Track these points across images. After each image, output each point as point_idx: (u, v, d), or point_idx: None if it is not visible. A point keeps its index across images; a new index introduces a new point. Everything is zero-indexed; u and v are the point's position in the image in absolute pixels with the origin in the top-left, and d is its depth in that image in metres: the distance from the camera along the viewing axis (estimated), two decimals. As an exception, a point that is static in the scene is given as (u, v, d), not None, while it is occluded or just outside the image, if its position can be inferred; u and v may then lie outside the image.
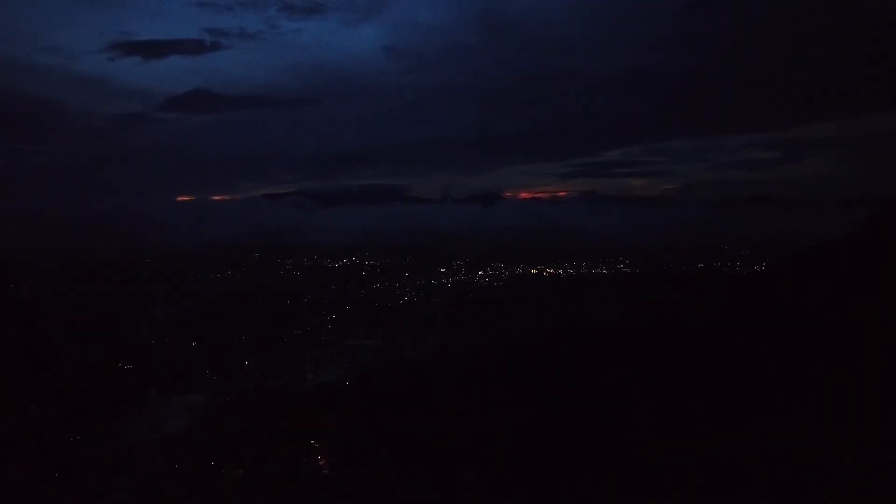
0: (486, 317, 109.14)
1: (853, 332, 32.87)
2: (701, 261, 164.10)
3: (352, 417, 56.81)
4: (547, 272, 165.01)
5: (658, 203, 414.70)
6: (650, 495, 29.95)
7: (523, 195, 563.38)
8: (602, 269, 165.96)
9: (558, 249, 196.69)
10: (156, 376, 78.35)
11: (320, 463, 50.18)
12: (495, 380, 57.89)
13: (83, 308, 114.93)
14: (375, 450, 48.71)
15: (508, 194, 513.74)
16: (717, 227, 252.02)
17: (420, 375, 68.50)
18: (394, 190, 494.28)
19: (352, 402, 63.35)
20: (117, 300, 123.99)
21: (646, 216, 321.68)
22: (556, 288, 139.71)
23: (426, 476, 41.35)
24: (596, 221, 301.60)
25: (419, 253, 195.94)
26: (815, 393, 30.31)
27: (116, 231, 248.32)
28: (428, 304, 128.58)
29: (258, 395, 72.92)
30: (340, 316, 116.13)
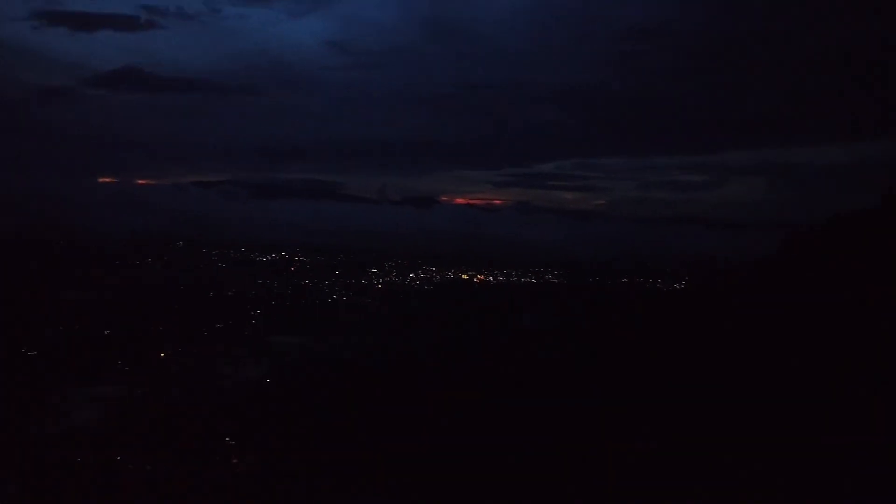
0: (413, 319, 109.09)
1: (764, 346, 34.58)
2: (626, 275, 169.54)
3: (270, 416, 55.58)
4: (477, 278, 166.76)
5: (589, 217, 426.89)
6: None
7: (459, 201, 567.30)
8: (531, 279, 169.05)
9: (490, 257, 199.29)
10: (63, 365, 74.01)
11: (234, 461, 48.72)
12: (419, 382, 57.88)
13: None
14: (293, 450, 47.72)
15: (444, 199, 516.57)
16: (642, 243, 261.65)
17: (344, 375, 67.73)
18: (329, 187, 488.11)
19: (271, 400, 61.98)
20: (27, 284, 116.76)
21: (576, 229, 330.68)
22: (485, 294, 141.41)
23: (343, 478, 40.78)
24: (528, 231, 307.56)
25: (351, 252, 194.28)
26: (725, 401, 31.66)
27: (31, 210, 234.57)
28: (357, 303, 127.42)
29: (173, 389, 70.03)
30: (265, 311, 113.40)
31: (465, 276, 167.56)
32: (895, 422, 24.64)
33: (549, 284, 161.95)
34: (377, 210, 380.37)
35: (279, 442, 50.10)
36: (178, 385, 71.60)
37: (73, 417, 59.59)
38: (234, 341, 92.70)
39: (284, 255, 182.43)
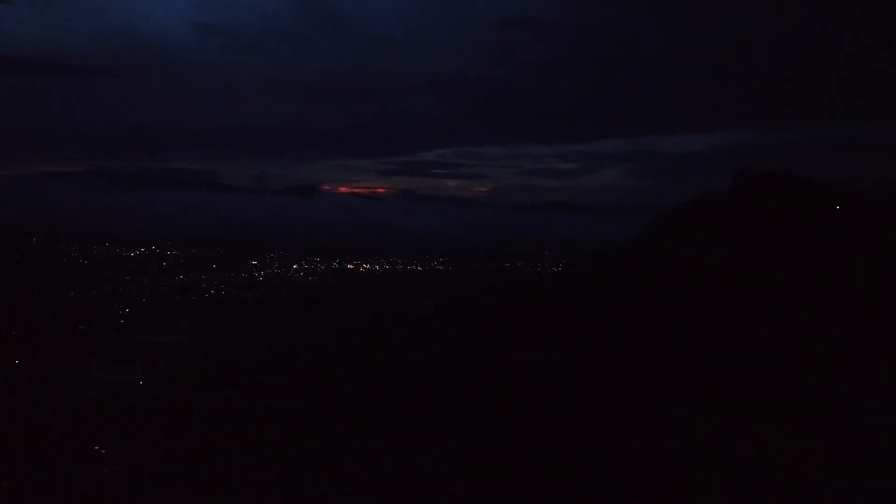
0: (298, 311, 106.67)
1: (630, 327, 36.92)
2: (508, 260, 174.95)
3: (143, 421, 52.25)
4: (363, 268, 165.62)
5: (471, 204, 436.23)
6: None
7: (342, 190, 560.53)
8: (417, 266, 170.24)
9: (375, 245, 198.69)
10: None
11: (104, 471, 45.39)
12: (307, 378, 56.60)
13: None
14: (170, 456, 45.15)
15: (327, 188, 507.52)
16: (522, 228, 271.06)
17: (223, 375, 64.91)
18: (202, 176, 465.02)
19: (145, 404, 58.29)
20: None
21: (460, 216, 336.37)
22: (372, 283, 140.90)
23: (223, 484, 39.13)
24: (412, 219, 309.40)
25: (229, 244, 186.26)
26: (591, 381, 33.48)
27: None
28: (236, 298, 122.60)
29: (30, 398, 64.11)
30: (135, 310, 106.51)
31: (350, 266, 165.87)
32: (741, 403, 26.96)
33: (435, 271, 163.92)
34: (256, 200, 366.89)
35: (153, 448, 47.24)
36: (35, 394, 65.74)
37: None
38: (102, 343, 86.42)
39: (155, 249, 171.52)
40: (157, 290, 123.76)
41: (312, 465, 38.01)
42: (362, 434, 39.82)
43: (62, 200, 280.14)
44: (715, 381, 29.38)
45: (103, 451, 47.94)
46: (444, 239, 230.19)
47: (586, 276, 55.32)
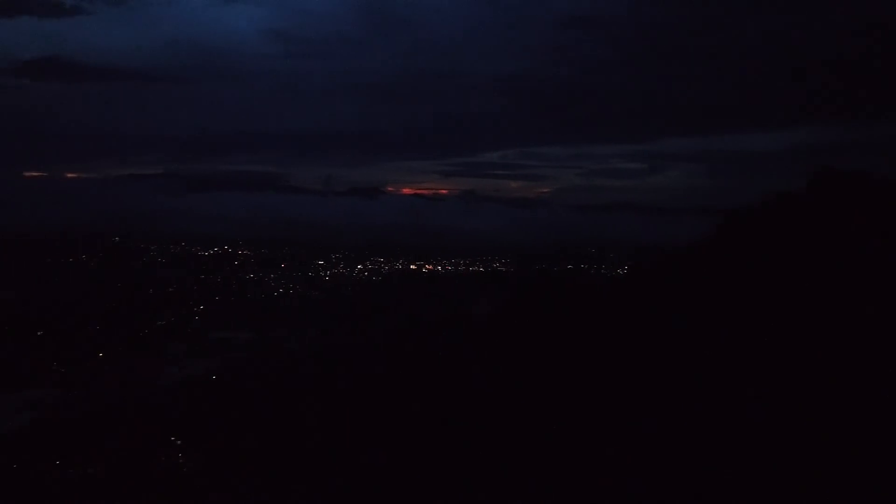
0: (363, 311, 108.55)
1: (702, 329, 35.91)
2: (571, 262, 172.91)
3: (217, 413, 54.55)
4: (426, 268, 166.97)
5: (533, 205, 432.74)
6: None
7: (405, 191, 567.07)
8: (479, 268, 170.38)
9: (438, 246, 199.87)
10: (-8, 369, 70.73)
11: (180, 460, 47.69)
12: (371, 375, 57.74)
13: None
14: (239, 447, 46.97)
15: (391, 189, 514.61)
16: (585, 230, 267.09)
17: (293, 370, 66.99)
18: (271, 178, 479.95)
19: (218, 397, 60.78)
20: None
21: (521, 217, 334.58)
22: (434, 283, 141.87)
23: (292, 475, 40.41)
24: (474, 220, 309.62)
25: (296, 244, 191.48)
26: (663, 387, 32.80)
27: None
28: (304, 296, 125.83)
29: (113, 389, 67.85)
30: (209, 307, 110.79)
31: (413, 266, 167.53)
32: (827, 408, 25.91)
33: (497, 273, 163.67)
34: (322, 201, 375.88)
35: (227, 440, 49.25)
36: (118, 386, 69.49)
37: (7, 423, 57.11)
38: (178, 339, 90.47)
39: (227, 248, 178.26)
40: (229, 288, 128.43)
41: (378, 461, 38.75)
42: (418, 432, 40.32)
43: (141, 201, 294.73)
44: (798, 398, 28.21)
45: (179, 442, 50.38)
46: (506, 240, 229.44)
47: (652, 279, 54.18)
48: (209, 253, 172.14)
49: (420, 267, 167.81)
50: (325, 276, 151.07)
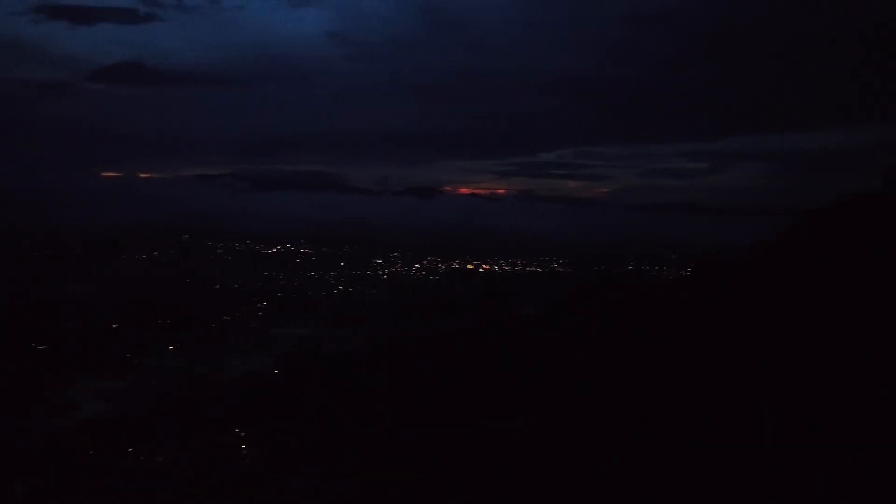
0: (420, 309, 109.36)
1: (768, 333, 34.68)
2: (631, 263, 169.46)
3: (278, 406, 56.01)
4: (483, 268, 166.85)
5: (592, 205, 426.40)
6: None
7: (462, 191, 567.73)
8: (536, 268, 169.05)
9: (494, 246, 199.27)
10: (73, 359, 74.74)
11: (243, 451, 49.23)
12: (427, 373, 58.16)
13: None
14: (300, 440, 48.13)
15: (448, 189, 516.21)
16: (645, 230, 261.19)
17: (350, 366, 68.08)
18: (331, 178, 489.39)
19: (279, 391, 62.42)
20: (34, 278, 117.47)
21: (580, 217, 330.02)
22: (491, 284, 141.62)
23: (349, 467, 41.16)
24: (532, 220, 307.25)
25: (355, 243, 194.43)
26: (728, 392, 31.83)
27: (36, 205, 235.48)
28: (362, 294, 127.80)
29: (182, 380, 70.66)
30: (271, 303, 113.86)
31: (470, 266, 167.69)
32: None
33: (555, 273, 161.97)
34: (380, 201, 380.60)
35: (287, 432, 50.56)
36: (186, 377, 72.29)
37: (84, 410, 60.30)
38: (242, 333, 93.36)
39: (289, 247, 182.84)
40: (290, 286, 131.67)
41: (430, 455, 39.02)
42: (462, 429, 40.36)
43: (209, 201, 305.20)
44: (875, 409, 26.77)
45: (242, 433, 52.03)
46: (563, 240, 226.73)
47: (715, 281, 52.58)
48: (272, 251, 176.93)
49: (476, 267, 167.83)
50: (383, 274, 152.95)
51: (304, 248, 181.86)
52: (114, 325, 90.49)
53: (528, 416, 38.91)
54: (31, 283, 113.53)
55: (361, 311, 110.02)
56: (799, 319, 34.65)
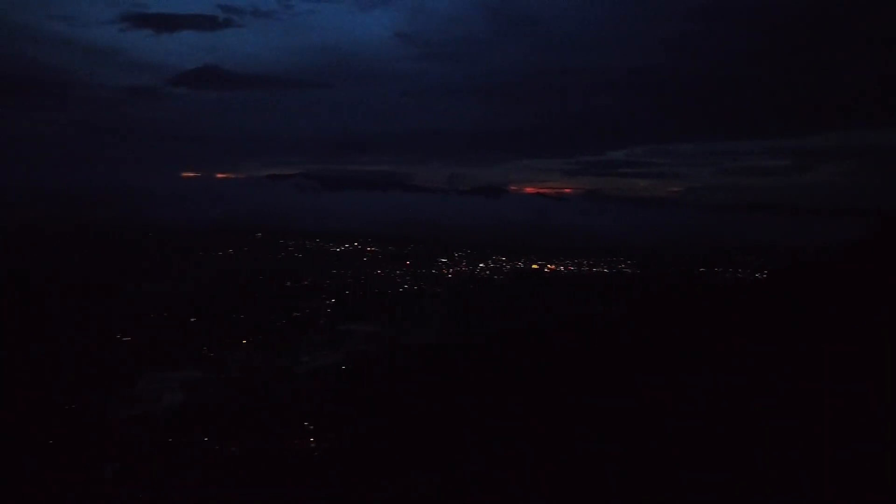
0: (484, 308, 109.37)
1: (853, 339, 32.82)
2: (704, 265, 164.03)
3: (345, 401, 57.21)
4: (548, 268, 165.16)
5: (662, 205, 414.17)
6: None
7: (528, 190, 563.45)
8: (603, 269, 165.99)
9: (560, 246, 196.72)
10: (153, 350, 78.68)
11: (312, 445, 50.54)
12: (492, 370, 58.09)
13: (84, 279, 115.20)
14: (367, 434, 48.98)
15: (514, 188, 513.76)
16: (721, 231, 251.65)
17: (416, 363, 68.80)
18: (398, 177, 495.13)
19: (346, 386, 63.77)
20: (119, 273, 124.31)
21: (649, 217, 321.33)
22: (556, 284, 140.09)
23: (416, 462, 41.54)
24: (599, 220, 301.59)
25: (421, 242, 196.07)
26: (809, 399, 30.30)
27: (120, 204, 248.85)
28: (427, 293, 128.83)
29: (254, 374, 73.20)
30: (339, 300, 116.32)
31: (535, 266, 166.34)
32: None
33: (623, 274, 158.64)
34: (446, 200, 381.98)
35: (354, 427, 51.58)
36: (258, 370, 74.85)
37: (165, 400, 63.38)
38: (311, 329, 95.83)
39: (357, 245, 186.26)
40: (357, 283, 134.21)
41: (496, 452, 38.88)
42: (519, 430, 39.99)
43: (281, 200, 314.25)
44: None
45: (311, 427, 53.43)
46: (632, 241, 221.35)
47: (795, 285, 50.20)
48: (340, 249, 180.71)
49: (542, 266, 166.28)
50: (448, 273, 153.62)
51: (370, 247, 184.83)
52: (192, 320, 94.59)
53: (607, 419, 38.18)
54: (117, 277, 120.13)
55: (426, 309, 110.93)
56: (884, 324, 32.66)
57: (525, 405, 44.76)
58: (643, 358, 46.21)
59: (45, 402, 58.71)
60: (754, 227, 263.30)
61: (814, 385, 31.42)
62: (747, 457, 28.32)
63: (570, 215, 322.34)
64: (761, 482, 26.76)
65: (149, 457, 48.32)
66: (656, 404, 37.26)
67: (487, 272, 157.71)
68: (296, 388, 65.34)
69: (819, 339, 35.44)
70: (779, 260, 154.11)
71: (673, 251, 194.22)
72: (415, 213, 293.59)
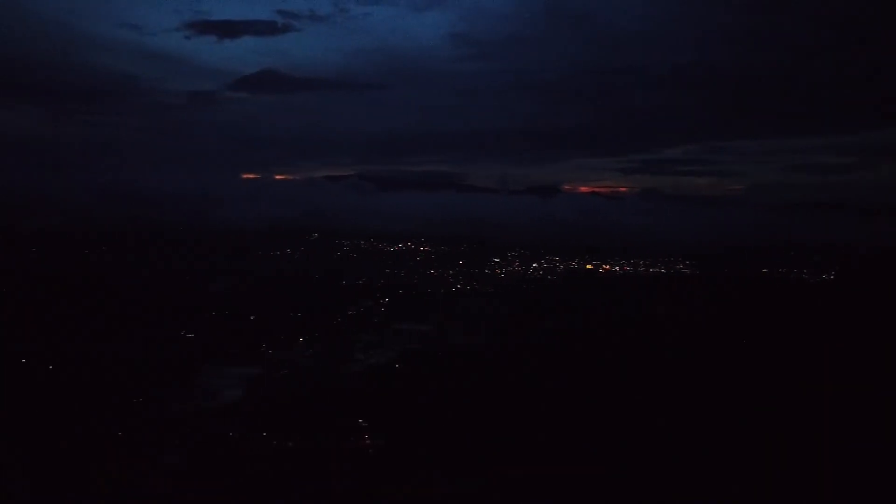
0: (538, 309, 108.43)
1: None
2: (766, 265, 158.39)
3: (399, 400, 57.61)
4: (603, 268, 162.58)
5: (722, 204, 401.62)
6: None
7: (583, 189, 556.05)
8: (661, 269, 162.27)
9: (615, 246, 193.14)
10: (214, 346, 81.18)
11: (367, 442, 51.05)
12: (546, 372, 57.55)
13: (149, 277, 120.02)
14: (421, 434, 49.19)
15: (567, 187, 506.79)
16: (784, 230, 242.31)
17: (469, 364, 68.73)
18: (451, 177, 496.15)
19: (400, 384, 64.21)
20: (182, 271, 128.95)
21: (709, 216, 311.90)
22: (611, 285, 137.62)
23: (469, 464, 41.48)
24: (656, 219, 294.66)
25: (474, 242, 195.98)
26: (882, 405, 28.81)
27: (184, 204, 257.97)
28: (480, 293, 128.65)
29: (310, 371, 74.61)
30: (393, 300, 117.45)
31: (589, 266, 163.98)
32: None
33: (681, 275, 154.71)
34: (499, 200, 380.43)
35: (408, 426, 51.87)
36: (314, 367, 76.28)
37: (224, 395, 65.30)
38: (366, 327, 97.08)
39: (411, 245, 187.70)
40: (411, 283, 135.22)
41: (556, 458, 38.55)
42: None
43: (337, 200, 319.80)
44: None
45: (365, 424, 54.01)
46: (690, 241, 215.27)
47: (864, 287, 47.91)
48: (394, 249, 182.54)
49: (596, 267, 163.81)
50: (501, 273, 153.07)
51: (423, 247, 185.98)
52: (251, 317, 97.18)
53: (665, 427, 37.37)
54: (182, 275, 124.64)
55: (479, 309, 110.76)
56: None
57: (580, 410, 44.16)
58: (707, 363, 44.92)
59: (114, 394, 61.38)
60: (819, 226, 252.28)
61: (890, 390, 29.90)
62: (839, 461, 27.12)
63: (625, 214, 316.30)
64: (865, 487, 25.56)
65: (208, 449, 49.82)
66: (725, 412, 36.15)
67: (541, 272, 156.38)
68: (350, 385, 66.25)
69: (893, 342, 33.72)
70: (846, 260, 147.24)
71: (734, 251, 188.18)
72: (468, 213, 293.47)
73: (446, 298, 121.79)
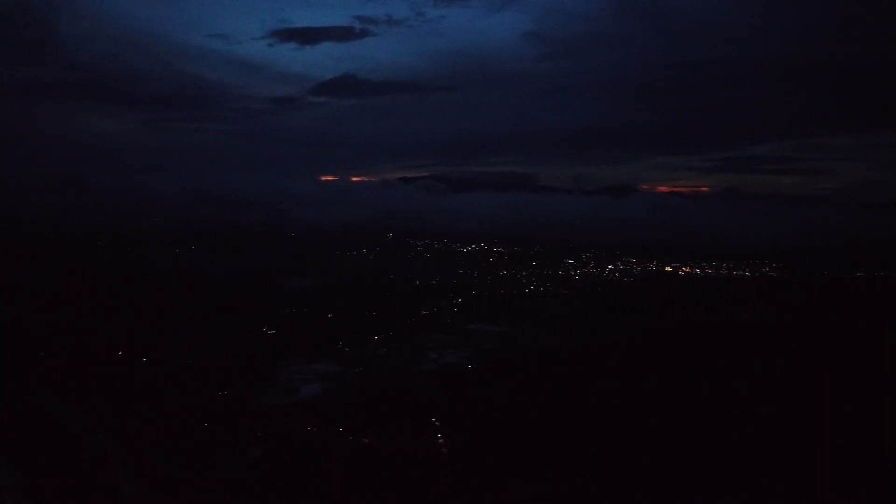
0: (613, 313, 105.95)
1: None
2: (861, 268, 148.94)
3: (472, 400, 57.62)
4: (682, 271, 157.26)
5: (811, 204, 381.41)
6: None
7: (661, 189, 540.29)
8: (745, 272, 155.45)
9: (695, 248, 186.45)
10: (294, 343, 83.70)
11: (439, 441, 51.38)
12: (621, 377, 56.28)
13: (234, 275, 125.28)
14: (493, 435, 49.08)
15: (645, 187, 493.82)
16: (879, 231, 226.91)
17: (543, 366, 68.01)
18: (524, 178, 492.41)
19: (473, 385, 64.20)
20: (263, 270, 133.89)
21: (795, 217, 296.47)
22: (692, 289, 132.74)
23: (542, 464, 41.09)
24: (739, 220, 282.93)
25: (547, 242, 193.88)
26: None
27: (266, 206, 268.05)
28: (553, 294, 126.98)
29: (385, 369, 75.69)
30: (466, 300, 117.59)
31: (668, 269, 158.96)
32: None
33: (767, 278, 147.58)
34: (573, 200, 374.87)
35: (480, 425, 51.84)
36: (389, 366, 77.35)
37: (303, 391, 67.25)
38: (439, 327, 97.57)
39: (484, 246, 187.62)
40: (483, 283, 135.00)
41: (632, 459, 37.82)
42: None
43: (411, 201, 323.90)
44: None
45: (437, 423, 54.32)
46: (777, 242, 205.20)
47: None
48: (467, 249, 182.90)
49: (676, 269, 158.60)
50: (575, 275, 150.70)
51: (497, 248, 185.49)
52: (328, 315, 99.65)
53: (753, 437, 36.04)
54: (265, 274, 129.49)
55: (552, 311, 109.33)
56: None
57: (653, 418, 43.02)
58: (803, 375, 42.80)
59: (203, 387, 64.41)
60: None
61: None
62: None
63: (706, 215, 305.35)
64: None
65: (288, 443, 51.49)
66: (820, 426, 34.44)
67: (616, 274, 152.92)
68: (424, 384, 66.79)
69: None
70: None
71: (824, 253, 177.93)
72: (541, 214, 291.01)
73: (519, 300, 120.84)
